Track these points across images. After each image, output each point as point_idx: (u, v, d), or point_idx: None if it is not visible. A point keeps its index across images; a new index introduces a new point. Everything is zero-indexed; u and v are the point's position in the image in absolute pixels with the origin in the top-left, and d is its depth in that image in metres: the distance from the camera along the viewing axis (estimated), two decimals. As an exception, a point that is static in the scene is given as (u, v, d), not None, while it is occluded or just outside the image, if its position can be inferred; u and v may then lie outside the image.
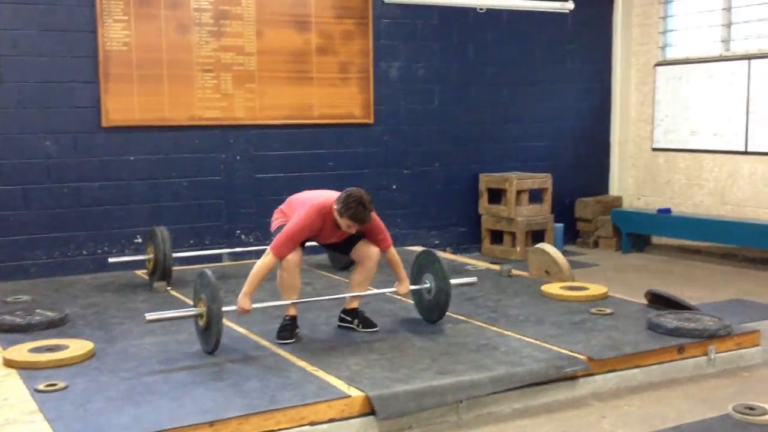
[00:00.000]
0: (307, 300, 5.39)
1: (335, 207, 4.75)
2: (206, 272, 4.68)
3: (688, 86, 8.92)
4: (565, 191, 9.32)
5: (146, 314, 4.69)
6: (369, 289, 5.26)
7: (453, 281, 5.23)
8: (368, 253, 4.99)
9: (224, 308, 4.59)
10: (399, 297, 5.99)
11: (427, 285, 5.24)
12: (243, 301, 4.72)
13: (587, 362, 4.46)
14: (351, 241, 5.02)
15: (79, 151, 7.14)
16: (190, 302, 5.90)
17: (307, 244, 5.02)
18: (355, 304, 5.15)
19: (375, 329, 5.06)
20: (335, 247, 5.17)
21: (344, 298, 5.23)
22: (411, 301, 5.86)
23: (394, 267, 5.12)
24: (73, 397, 3.93)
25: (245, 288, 4.74)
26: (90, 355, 4.56)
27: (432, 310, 5.27)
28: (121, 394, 3.98)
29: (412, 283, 5.30)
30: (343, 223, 4.74)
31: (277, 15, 7.75)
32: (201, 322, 4.68)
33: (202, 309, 4.64)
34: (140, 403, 3.84)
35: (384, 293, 5.51)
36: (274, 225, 5.08)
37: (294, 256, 4.79)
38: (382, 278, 5.69)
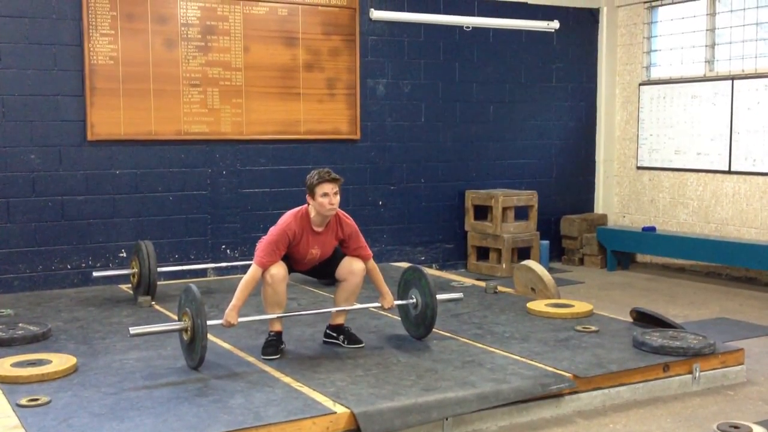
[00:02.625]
0: (292, 314, 5.38)
1: (308, 192, 4.78)
2: (191, 287, 4.66)
3: (672, 106, 8.99)
4: (550, 209, 9.36)
5: (130, 328, 4.66)
6: (354, 305, 5.24)
7: (439, 297, 5.23)
8: (352, 269, 4.99)
9: (210, 322, 4.57)
10: (384, 312, 5.99)
11: (414, 300, 5.24)
12: (230, 314, 4.69)
13: (573, 380, 4.46)
14: (333, 262, 5.02)
15: (64, 164, 7.10)
16: (175, 317, 5.88)
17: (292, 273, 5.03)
18: (340, 320, 5.13)
19: (360, 345, 5.05)
20: (319, 271, 5.17)
21: (330, 313, 5.21)
22: (398, 317, 5.86)
23: (375, 280, 5.12)
24: (55, 412, 3.90)
25: (233, 302, 4.72)
26: (73, 370, 4.52)
27: (419, 326, 5.26)
28: (104, 409, 3.94)
29: (399, 298, 5.30)
30: (319, 193, 4.73)
31: (265, 31, 7.76)
32: (186, 337, 4.65)
33: (186, 323, 4.61)
34: (123, 419, 3.81)
35: (368, 308, 5.49)
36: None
37: (278, 271, 4.77)
38: (367, 293, 5.68)
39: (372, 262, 5.10)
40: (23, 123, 6.95)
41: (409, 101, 8.58)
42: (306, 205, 4.89)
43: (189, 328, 4.59)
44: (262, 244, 4.82)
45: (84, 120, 7.12)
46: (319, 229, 4.90)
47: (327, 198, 4.77)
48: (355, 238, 5.01)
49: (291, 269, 5.03)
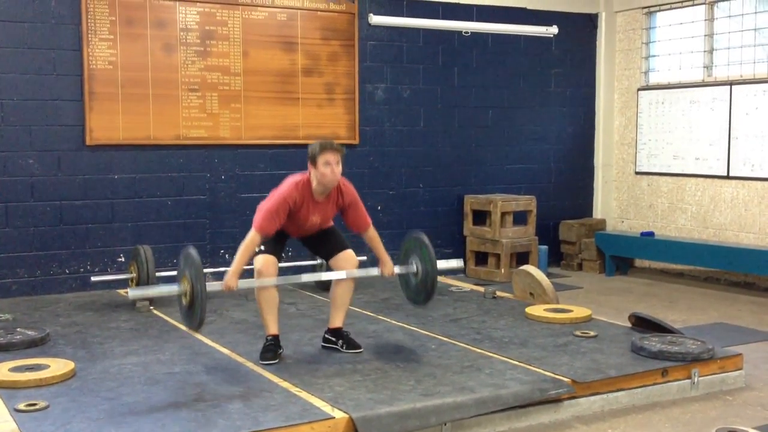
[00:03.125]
0: (289, 280, 5.38)
1: (310, 161, 4.80)
2: (190, 250, 4.64)
3: (670, 111, 9.00)
4: (549, 214, 9.36)
5: (129, 291, 4.66)
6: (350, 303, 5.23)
7: (440, 265, 5.18)
8: (345, 266, 4.99)
9: (210, 284, 4.56)
10: (383, 318, 5.99)
11: (414, 268, 5.20)
12: (230, 279, 4.65)
13: (571, 385, 4.46)
14: (330, 240, 5.03)
15: (62, 169, 7.10)
16: (174, 322, 5.88)
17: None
18: (339, 323, 5.12)
19: (359, 351, 5.03)
20: (315, 244, 5.15)
21: (328, 312, 5.19)
22: (395, 323, 5.86)
23: (375, 248, 5.12)
24: (53, 417, 3.89)
25: (232, 267, 4.69)
26: (71, 375, 4.51)
27: (419, 293, 5.23)
28: (102, 414, 3.93)
29: (399, 266, 5.26)
30: (321, 162, 4.74)
31: (264, 36, 7.77)
32: (185, 301, 4.62)
33: (185, 287, 4.57)
34: (121, 424, 3.80)
35: (368, 275, 5.31)
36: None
37: (268, 268, 4.77)
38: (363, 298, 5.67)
39: (371, 231, 5.11)
40: (22, 128, 6.95)
41: (408, 106, 8.59)
42: (308, 173, 4.87)
43: (188, 293, 4.56)
44: (262, 210, 4.82)
45: (83, 125, 7.12)
46: (321, 198, 4.90)
47: (329, 167, 4.78)
48: (354, 207, 5.01)
49: (286, 238, 5.02)
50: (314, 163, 4.80)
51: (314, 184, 4.86)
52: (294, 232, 5.07)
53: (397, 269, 5.20)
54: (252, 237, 4.76)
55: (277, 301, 4.92)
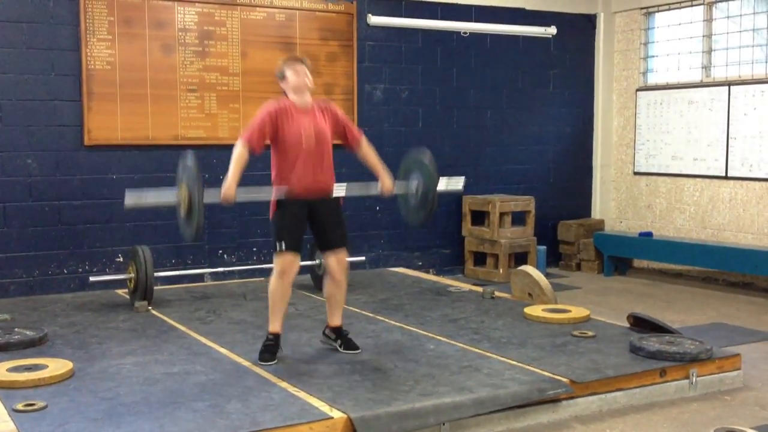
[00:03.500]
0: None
1: (280, 80, 4.85)
2: (188, 156, 4.62)
3: (669, 111, 9.01)
4: (547, 214, 9.36)
5: (126, 197, 4.69)
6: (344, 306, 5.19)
7: (440, 183, 5.10)
8: (332, 266, 4.95)
9: (207, 192, 4.54)
10: (381, 318, 5.99)
11: (414, 185, 5.12)
12: (228, 189, 4.64)
13: (570, 385, 4.46)
14: (334, 228, 4.92)
15: (61, 169, 7.10)
16: (172, 322, 5.88)
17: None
18: (338, 322, 5.10)
19: (357, 351, 5.03)
20: (320, 223, 4.94)
21: (326, 313, 5.16)
22: (394, 323, 5.86)
23: (371, 163, 5.04)
24: (51, 417, 3.88)
25: (228, 179, 4.66)
26: (69, 375, 4.51)
27: (418, 211, 5.16)
28: (100, 414, 3.93)
29: (400, 180, 5.21)
30: (290, 71, 4.78)
31: (262, 36, 7.77)
32: (182, 209, 4.60)
33: (183, 195, 4.55)
34: (120, 424, 3.80)
35: (368, 193, 5.27)
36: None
37: (293, 266, 4.77)
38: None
39: (365, 145, 5.06)
40: (20, 128, 6.95)
41: (407, 107, 8.59)
42: (282, 97, 4.89)
43: (185, 200, 4.54)
44: (249, 127, 4.81)
45: (81, 125, 7.11)
46: (304, 107, 4.85)
47: (297, 75, 4.80)
48: (344, 119, 5.01)
49: (304, 220, 4.89)
50: (283, 78, 4.84)
51: (290, 96, 4.85)
52: (303, 171, 4.80)
53: (396, 187, 5.09)
54: (240, 150, 4.72)
55: (288, 298, 4.88)
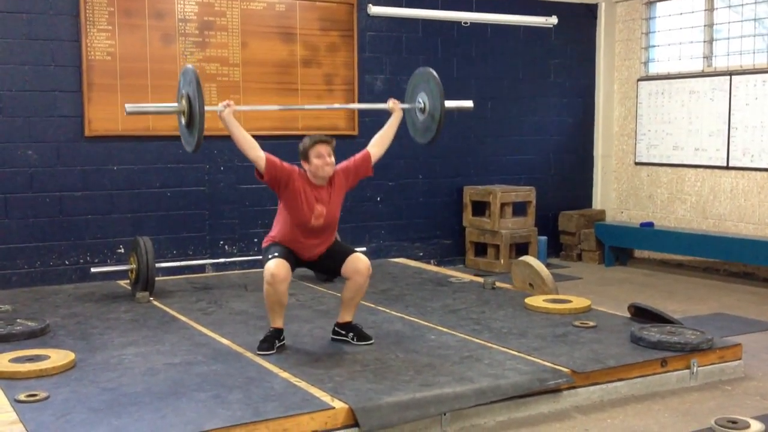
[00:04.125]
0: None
1: (302, 158, 4.83)
2: (189, 68, 4.64)
3: (670, 101, 8.99)
4: (548, 204, 9.36)
5: (126, 106, 4.75)
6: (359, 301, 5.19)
7: (447, 103, 5.14)
8: (357, 267, 4.89)
9: (208, 108, 4.61)
10: (383, 308, 5.99)
11: (421, 104, 5.16)
12: (229, 109, 4.76)
13: (570, 375, 4.47)
14: (337, 256, 4.95)
15: (61, 160, 7.10)
16: (174, 313, 5.89)
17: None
18: (348, 318, 5.07)
19: (370, 342, 4.99)
20: (325, 264, 5.05)
21: (327, 303, 5.18)
22: (395, 313, 5.87)
23: (383, 131, 5.16)
24: (53, 407, 3.89)
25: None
26: (71, 366, 4.52)
27: (426, 131, 5.23)
28: (102, 405, 3.94)
29: (406, 102, 5.28)
30: (314, 154, 4.77)
31: (262, 26, 7.75)
32: (183, 119, 4.62)
33: (184, 105, 4.57)
34: (122, 415, 3.81)
35: (376, 107, 5.41)
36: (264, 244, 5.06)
37: (279, 271, 4.66)
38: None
39: (377, 152, 5.16)
40: (20, 119, 6.94)
41: (407, 97, 8.56)
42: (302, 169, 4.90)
43: (186, 111, 4.56)
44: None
45: (81, 116, 7.11)
46: (320, 183, 4.87)
47: (322, 159, 4.79)
48: (350, 167, 5.03)
49: (298, 261, 4.93)
50: (306, 158, 4.81)
51: (310, 176, 4.86)
52: (303, 242, 4.89)
53: (403, 105, 5.21)
54: (257, 148, 4.79)
55: (283, 301, 4.81)
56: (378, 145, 5.18)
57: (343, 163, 5.04)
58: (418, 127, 5.29)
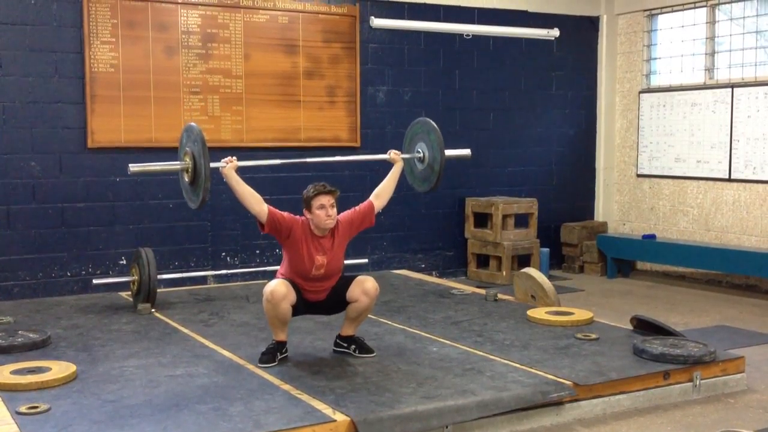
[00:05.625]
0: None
1: (305, 206, 4.81)
2: (193, 126, 4.66)
3: (672, 114, 9.00)
4: (550, 216, 9.36)
5: (130, 165, 4.76)
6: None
7: (447, 152, 5.18)
8: (365, 288, 4.86)
9: (213, 165, 4.61)
10: (385, 320, 5.99)
11: (420, 154, 5.18)
12: (231, 168, 4.77)
13: (573, 388, 4.46)
14: (341, 290, 4.91)
15: (64, 171, 7.11)
16: (175, 324, 5.89)
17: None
18: (351, 331, 5.05)
19: (372, 355, 4.98)
20: (330, 304, 4.98)
21: (337, 318, 5.14)
22: (397, 325, 5.86)
23: (385, 183, 5.19)
24: (55, 420, 3.89)
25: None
26: (72, 378, 4.51)
27: (425, 181, 5.27)
28: (103, 417, 3.93)
29: (405, 152, 5.31)
30: (316, 205, 4.75)
31: (265, 39, 7.77)
32: (187, 177, 4.61)
33: (188, 163, 4.56)
34: (123, 427, 3.80)
35: (376, 158, 5.40)
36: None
37: (278, 289, 4.67)
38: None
39: (380, 201, 5.16)
40: (24, 130, 6.96)
41: (410, 109, 8.58)
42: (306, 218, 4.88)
43: (190, 169, 4.55)
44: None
45: (84, 127, 7.12)
46: (321, 234, 4.87)
47: (324, 210, 4.77)
48: (354, 218, 5.00)
49: (303, 305, 4.88)
50: (309, 207, 4.80)
51: (312, 226, 4.84)
52: (306, 288, 4.86)
53: (404, 156, 5.24)
54: (260, 202, 4.79)
55: (284, 317, 4.79)
56: (381, 197, 5.19)
57: (347, 214, 5.02)
58: (416, 175, 5.37)
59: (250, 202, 4.80)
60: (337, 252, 4.92)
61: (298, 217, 4.89)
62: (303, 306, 4.90)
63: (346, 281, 4.96)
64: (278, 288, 4.69)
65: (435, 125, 5.22)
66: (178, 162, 4.73)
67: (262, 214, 4.79)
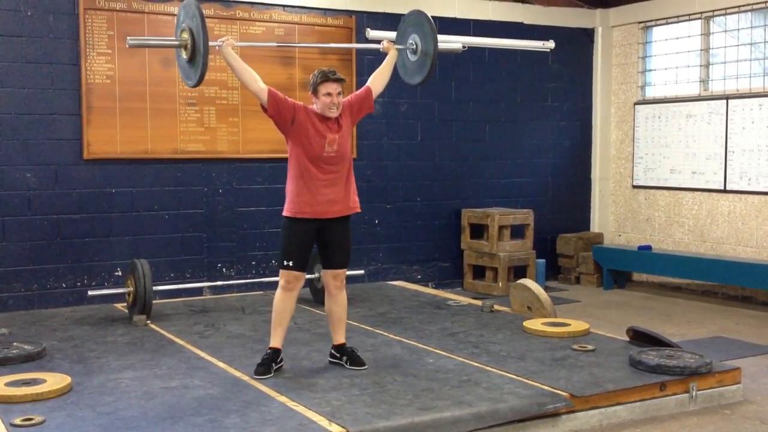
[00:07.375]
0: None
1: (311, 91, 4.80)
2: (191, 1, 4.60)
3: (667, 125, 9.03)
4: (546, 227, 9.36)
5: (128, 38, 4.70)
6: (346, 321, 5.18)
7: (440, 45, 5.13)
8: (336, 273, 4.94)
9: (211, 43, 4.57)
10: (381, 332, 5.98)
11: (413, 45, 5.14)
12: (228, 43, 4.73)
13: (569, 399, 4.45)
14: (339, 250, 4.91)
15: (59, 183, 7.10)
16: (171, 336, 5.87)
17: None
18: (341, 339, 5.07)
19: (363, 367, 4.96)
20: (326, 242, 4.93)
21: (325, 326, 5.16)
22: (393, 336, 5.85)
23: (380, 69, 5.12)
24: (49, 431, 3.87)
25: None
26: (67, 390, 4.50)
27: (417, 72, 5.22)
28: (98, 429, 3.92)
29: (398, 43, 5.26)
30: (323, 92, 4.73)
31: (262, 50, 7.77)
32: (185, 54, 4.58)
33: (186, 39, 4.52)
34: (118, 439, 3.79)
35: (369, 47, 5.40)
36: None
37: (296, 281, 4.81)
38: (366, 314, 5.65)
39: (377, 86, 5.10)
40: (19, 142, 6.95)
41: (406, 120, 8.60)
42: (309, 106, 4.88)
43: (189, 45, 4.52)
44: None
45: (80, 139, 7.12)
46: (329, 118, 4.83)
47: (330, 98, 4.75)
48: (353, 101, 4.98)
49: (313, 228, 4.83)
50: (315, 92, 4.79)
51: (317, 110, 4.82)
52: (321, 180, 4.79)
53: (397, 46, 5.21)
54: (259, 80, 4.75)
55: (292, 312, 4.89)
56: (377, 81, 5.14)
57: (346, 98, 4.99)
58: (408, 67, 5.29)
59: (247, 79, 4.75)
60: (345, 133, 4.88)
61: (300, 102, 4.88)
62: (312, 231, 4.83)
63: (345, 242, 4.94)
64: (297, 281, 4.81)
65: (429, 16, 5.19)
66: (176, 38, 4.69)
67: (262, 92, 4.75)
